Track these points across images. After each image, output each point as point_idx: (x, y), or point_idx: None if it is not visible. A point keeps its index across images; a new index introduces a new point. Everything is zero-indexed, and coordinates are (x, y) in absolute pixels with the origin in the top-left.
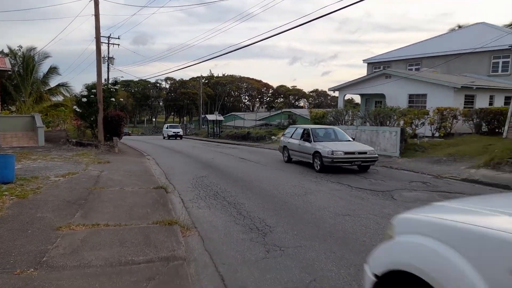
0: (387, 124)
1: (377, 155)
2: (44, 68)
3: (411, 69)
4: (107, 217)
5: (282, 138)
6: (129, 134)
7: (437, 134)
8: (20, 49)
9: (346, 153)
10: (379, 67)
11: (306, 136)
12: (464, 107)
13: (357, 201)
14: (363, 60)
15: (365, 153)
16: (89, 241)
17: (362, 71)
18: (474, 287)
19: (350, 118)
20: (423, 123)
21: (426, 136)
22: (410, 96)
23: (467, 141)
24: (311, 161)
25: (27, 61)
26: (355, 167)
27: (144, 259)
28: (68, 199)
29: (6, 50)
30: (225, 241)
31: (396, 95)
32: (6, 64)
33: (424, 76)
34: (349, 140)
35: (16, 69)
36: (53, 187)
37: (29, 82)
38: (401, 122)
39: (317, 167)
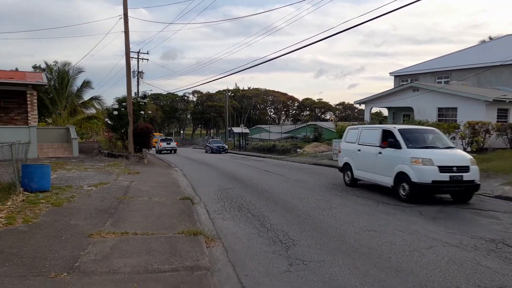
0: None
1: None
2: (78, 82)
3: (440, 82)
4: (135, 226)
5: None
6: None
7: (468, 149)
8: (55, 64)
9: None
10: (406, 80)
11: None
12: (497, 121)
13: (383, 216)
14: (390, 73)
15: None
16: (118, 248)
17: (389, 84)
18: None
19: None
20: (453, 138)
21: None
22: (440, 109)
23: (501, 157)
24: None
25: (62, 75)
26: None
27: (170, 268)
28: (100, 208)
29: (43, 66)
30: (249, 253)
31: (425, 108)
32: (43, 79)
33: (453, 89)
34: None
35: (52, 83)
36: (85, 196)
37: (64, 95)
38: None
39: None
